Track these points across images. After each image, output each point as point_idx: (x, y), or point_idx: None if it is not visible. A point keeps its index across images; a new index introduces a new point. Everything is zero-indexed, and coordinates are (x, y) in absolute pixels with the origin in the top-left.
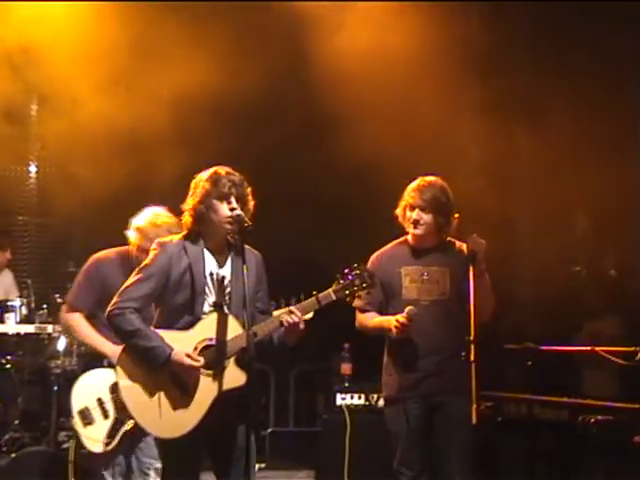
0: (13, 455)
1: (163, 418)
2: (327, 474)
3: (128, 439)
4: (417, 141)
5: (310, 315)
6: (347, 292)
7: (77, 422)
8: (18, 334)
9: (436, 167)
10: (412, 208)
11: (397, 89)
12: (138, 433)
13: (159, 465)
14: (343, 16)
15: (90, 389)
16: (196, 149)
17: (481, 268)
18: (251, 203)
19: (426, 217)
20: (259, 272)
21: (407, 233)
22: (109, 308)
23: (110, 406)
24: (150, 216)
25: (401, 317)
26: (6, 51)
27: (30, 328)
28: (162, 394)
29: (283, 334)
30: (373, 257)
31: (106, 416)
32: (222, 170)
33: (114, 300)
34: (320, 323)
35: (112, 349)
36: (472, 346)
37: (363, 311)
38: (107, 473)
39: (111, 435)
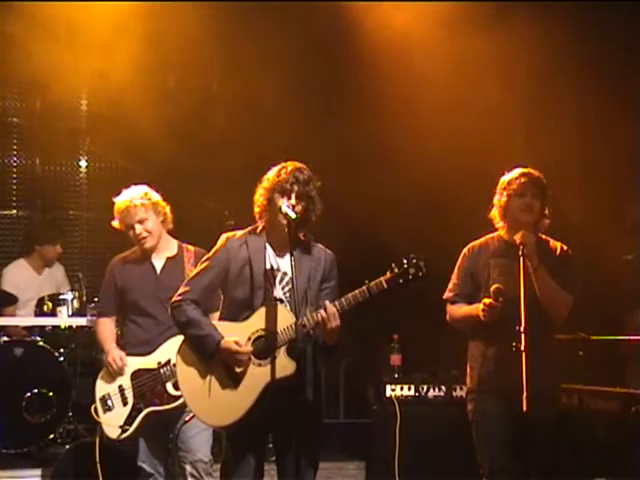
0: (67, 446)
1: (213, 406)
2: (377, 465)
3: (149, 427)
4: (473, 136)
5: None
6: (401, 281)
7: (98, 408)
8: (70, 327)
9: (491, 160)
10: (521, 195)
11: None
12: (161, 421)
13: (195, 458)
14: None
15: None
16: (249, 145)
17: (534, 262)
18: (318, 203)
19: (537, 203)
20: (326, 270)
21: (496, 230)
22: (171, 300)
23: (129, 393)
24: (120, 201)
25: (487, 299)
26: (57, 45)
27: (82, 321)
28: (213, 383)
29: (320, 332)
30: (465, 249)
31: (125, 403)
32: (290, 166)
33: (177, 292)
34: (370, 313)
35: (107, 348)
36: (522, 336)
37: (452, 303)
38: (146, 464)
39: (128, 422)
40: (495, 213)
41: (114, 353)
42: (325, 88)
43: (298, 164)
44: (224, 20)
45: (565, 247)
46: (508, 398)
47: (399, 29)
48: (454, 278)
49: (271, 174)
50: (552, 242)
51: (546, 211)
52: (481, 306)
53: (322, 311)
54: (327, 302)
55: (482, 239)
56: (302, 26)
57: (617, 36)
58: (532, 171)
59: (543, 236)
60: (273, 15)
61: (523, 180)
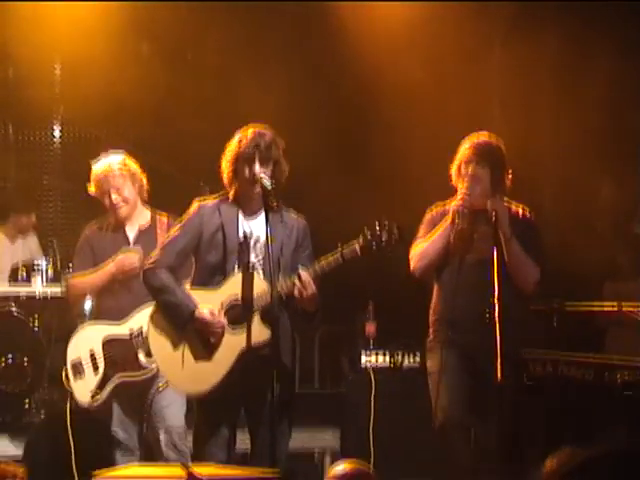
0: (43, 415)
1: (187, 374)
2: (352, 433)
3: (122, 395)
4: (441, 95)
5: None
6: (373, 246)
7: (69, 373)
8: (45, 296)
9: (460, 123)
10: (467, 164)
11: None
12: (134, 389)
13: (169, 425)
14: None
15: (85, 342)
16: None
17: (507, 232)
18: (284, 165)
19: (481, 172)
20: (300, 238)
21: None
22: (144, 265)
23: (100, 360)
24: (98, 166)
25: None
26: (30, 12)
27: (57, 289)
28: (187, 351)
29: (297, 300)
30: (432, 208)
31: (96, 370)
32: (251, 131)
33: (150, 258)
34: (344, 282)
35: (103, 269)
36: (496, 306)
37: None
38: (120, 432)
39: (99, 389)
40: (455, 181)
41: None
42: (300, 55)
43: (259, 127)
44: None
45: (527, 211)
46: (467, 354)
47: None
48: (419, 233)
49: (233, 143)
50: (514, 206)
51: (505, 175)
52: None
53: (297, 280)
54: (300, 270)
55: (447, 203)
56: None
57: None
58: (481, 138)
59: (488, 202)
60: None
61: (469, 149)
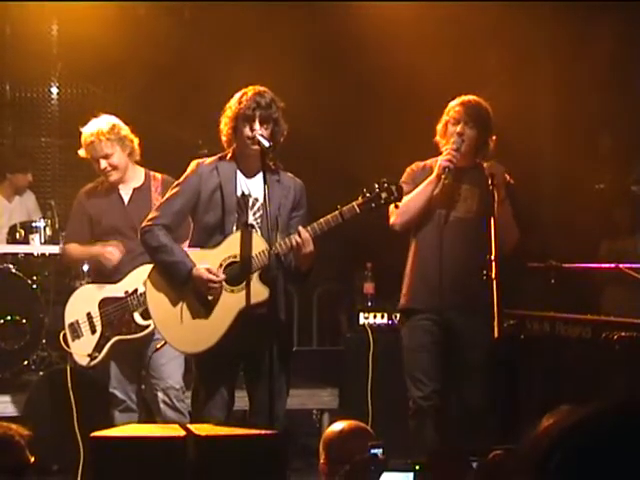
0: (41, 373)
1: (186, 333)
2: (350, 392)
3: (119, 355)
4: (445, 60)
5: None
6: (373, 205)
7: (67, 335)
8: (43, 255)
9: (461, 87)
10: (455, 122)
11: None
12: (131, 349)
13: (167, 385)
14: None
15: (81, 303)
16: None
17: (502, 194)
18: (283, 125)
19: (469, 132)
20: (297, 199)
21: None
22: (142, 225)
23: (97, 321)
24: (86, 132)
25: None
26: None
27: (55, 249)
28: (185, 310)
29: (294, 258)
30: (412, 165)
31: (93, 331)
32: (251, 91)
33: (148, 217)
34: (343, 242)
35: (99, 248)
36: (493, 264)
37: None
38: (118, 391)
39: (97, 350)
40: (438, 139)
41: (105, 248)
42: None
43: (258, 88)
44: None
45: (507, 176)
46: (442, 315)
47: None
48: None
49: (232, 102)
50: None
51: (489, 138)
52: (442, 158)
53: (296, 236)
54: (300, 227)
55: (429, 160)
56: None
57: None
58: (471, 99)
59: (485, 164)
60: None
61: (457, 108)
